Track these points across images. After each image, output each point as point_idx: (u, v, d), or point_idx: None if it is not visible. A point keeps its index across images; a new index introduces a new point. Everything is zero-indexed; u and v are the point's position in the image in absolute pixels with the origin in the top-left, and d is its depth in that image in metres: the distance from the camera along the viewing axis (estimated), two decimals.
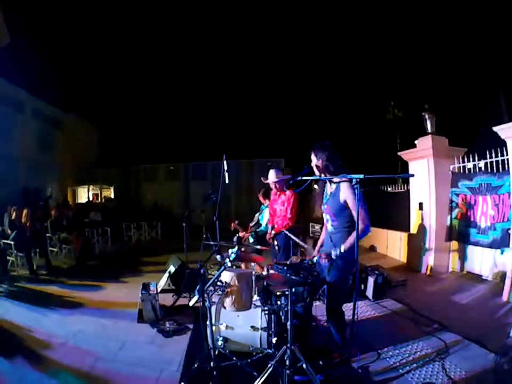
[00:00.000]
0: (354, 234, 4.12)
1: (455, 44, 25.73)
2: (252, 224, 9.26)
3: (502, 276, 8.25)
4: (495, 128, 7.88)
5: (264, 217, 8.81)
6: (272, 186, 7.42)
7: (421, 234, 10.66)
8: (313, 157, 4.62)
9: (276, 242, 7.14)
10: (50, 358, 5.06)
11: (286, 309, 4.19)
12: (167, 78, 40.25)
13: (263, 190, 8.76)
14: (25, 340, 5.72)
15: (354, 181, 3.72)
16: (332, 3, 36.40)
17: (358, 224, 3.78)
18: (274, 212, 7.57)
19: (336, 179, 4.45)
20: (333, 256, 4.33)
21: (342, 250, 4.27)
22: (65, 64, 32.08)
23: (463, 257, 10.04)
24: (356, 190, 3.75)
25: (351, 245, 4.23)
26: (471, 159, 9.57)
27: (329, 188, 4.75)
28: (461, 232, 9.75)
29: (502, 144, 8.19)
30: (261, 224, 8.86)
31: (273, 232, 7.32)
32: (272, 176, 7.31)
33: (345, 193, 4.37)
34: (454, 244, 10.21)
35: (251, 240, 8.71)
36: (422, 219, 10.68)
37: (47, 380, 4.52)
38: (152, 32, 39.80)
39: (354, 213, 4.18)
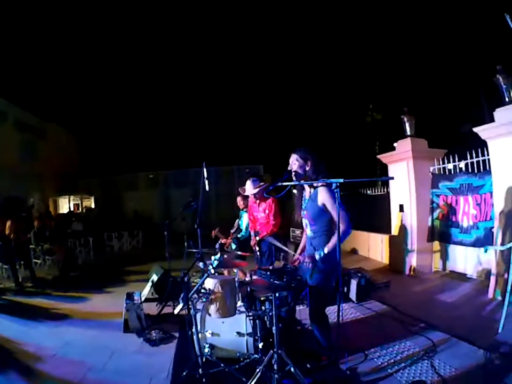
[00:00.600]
0: (336, 236, 4.16)
1: (434, 46, 25.93)
2: (233, 231, 9.28)
3: (487, 273, 8.33)
4: (475, 129, 7.94)
5: (243, 222, 8.84)
6: (251, 197, 7.43)
7: (403, 235, 10.73)
8: (296, 160, 4.62)
9: (257, 248, 7.18)
10: (41, 370, 5.04)
11: (270, 313, 4.21)
12: (145, 88, 40.16)
13: (243, 193, 8.82)
14: (15, 352, 5.70)
15: (334, 185, 3.75)
16: (309, 11, 36.54)
17: (339, 226, 3.82)
18: (255, 219, 7.59)
19: (315, 184, 4.46)
20: (316, 258, 4.33)
21: (326, 252, 4.27)
22: (46, 74, 31.98)
23: (446, 257, 10.12)
24: (336, 194, 3.78)
25: (333, 246, 4.22)
26: (451, 160, 9.64)
27: (308, 193, 4.78)
28: (443, 232, 9.82)
29: (483, 144, 8.26)
30: (241, 230, 8.89)
31: (257, 238, 7.31)
32: (249, 187, 7.30)
33: (324, 197, 4.37)
34: (436, 244, 10.29)
35: (233, 246, 8.73)
36: (403, 221, 10.75)
37: None
38: (129, 42, 39.74)
39: (334, 215, 4.17)
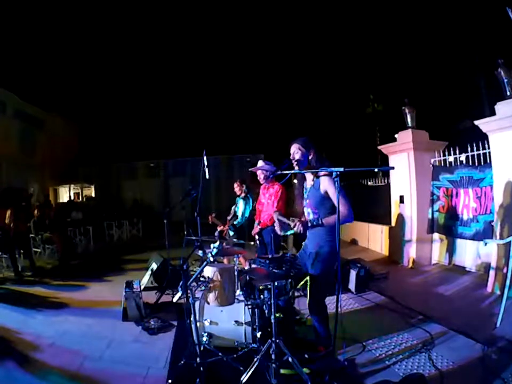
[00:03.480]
0: (335, 215, 4.16)
1: (436, 38, 25.79)
2: (229, 218, 9.34)
3: (486, 267, 8.32)
4: (476, 122, 7.93)
5: (239, 208, 8.94)
6: (261, 176, 7.42)
7: (402, 227, 10.74)
8: (299, 149, 4.61)
9: (257, 237, 7.19)
10: (39, 359, 5.04)
11: (269, 302, 4.21)
12: (145, 77, 40.06)
13: (240, 179, 9.01)
14: (13, 341, 5.69)
15: (334, 174, 3.74)
16: (308, 1, 36.39)
17: (339, 214, 3.81)
18: (262, 206, 7.57)
19: (318, 172, 4.44)
20: (309, 221, 4.39)
21: (321, 221, 4.31)
22: (46, 63, 31.94)
23: (445, 250, 10.12)
24: (336, 183, 3.77)
25: (332, 221, 4.24)
26: (452, 152, 9.63)
27: (309, 182, 4.77)
28: (443, 225, 9.80)
29: (484, 138, 8.25)
30: (237, 216, 8.93)
31: (259, 227, 7.31)
32: (261, 163, 7.37)
33: (326, 184, 4.37)
34: (436, 236, 10.31)
35: (231, 233, 8.78)
36: (403, 212, 10.76)
37: (37, 382, 4.50)
38: (128, 32, 39.62)
39: (335, 203, 4.16)
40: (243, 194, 8.89)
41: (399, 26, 27.38)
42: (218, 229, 9.16)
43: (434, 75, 25.96)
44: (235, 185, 9.05)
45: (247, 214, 8.82)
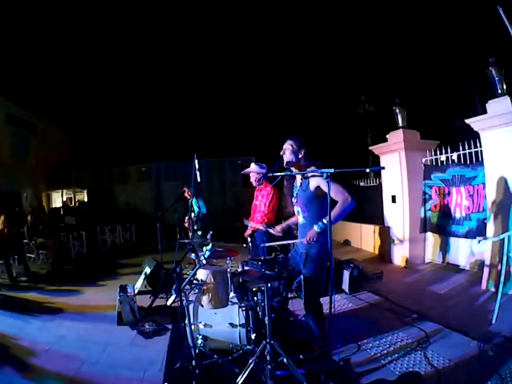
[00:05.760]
0: (339, 206, 4.27)
1: (427, 37, 25.81)
2: (187, 225, 9.62)
3: (480, 264, 8.36)
4: (468, 121, 7.97)
5: (195, 206, 9.68)
6: (253, 179, 7.43)
7: (395, 226, 10.78)
8: (290, 146, 4.67)
9: (249, 239, 7.20)
10: (37, 365, 5.03)
11: (263, 304, 4.23)
12: (137, 81, 39.95)
13: (187, 185, 9.76)
14: (10, 348, 5.67)
15: (325, 175, 3.75)
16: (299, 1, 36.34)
17: (330, 213, 3.82)
18: (255, 208, 7.60)
19: (307, 174, 4.46)
20: (316, 230, 4.34)
21: (325, 222, 4.27)
22: (38, 68, 31.84)
23: (439, 248, 10.13)
24: (327, 184, 3.78)
25: (336, 215, 4.28)
26: (443, 151, 9.66)
27: (298, 181, 4.81)
28: (436, 224, 9.85)
29: (475, 136, 8.29)
30: (199, 213, 9.45)
31: (251, 229, 7.30)
32: (253, 166, 7.37)
33: (317, 181, 4.40)
34: (429, 235, 10.33)
35: (199, 233, 8.91)
36: (395, 212, 10.78)
37: None
38: (119, 36, 39.52)
39: (330, 194, 4.13)
40: (193, 197, 9.23)
41: (389, 26, 27.40)
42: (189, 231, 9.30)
43: (426, 74, 25.99)
44: (186, 189, 9.76)
45: (203, 208, 9.64)
